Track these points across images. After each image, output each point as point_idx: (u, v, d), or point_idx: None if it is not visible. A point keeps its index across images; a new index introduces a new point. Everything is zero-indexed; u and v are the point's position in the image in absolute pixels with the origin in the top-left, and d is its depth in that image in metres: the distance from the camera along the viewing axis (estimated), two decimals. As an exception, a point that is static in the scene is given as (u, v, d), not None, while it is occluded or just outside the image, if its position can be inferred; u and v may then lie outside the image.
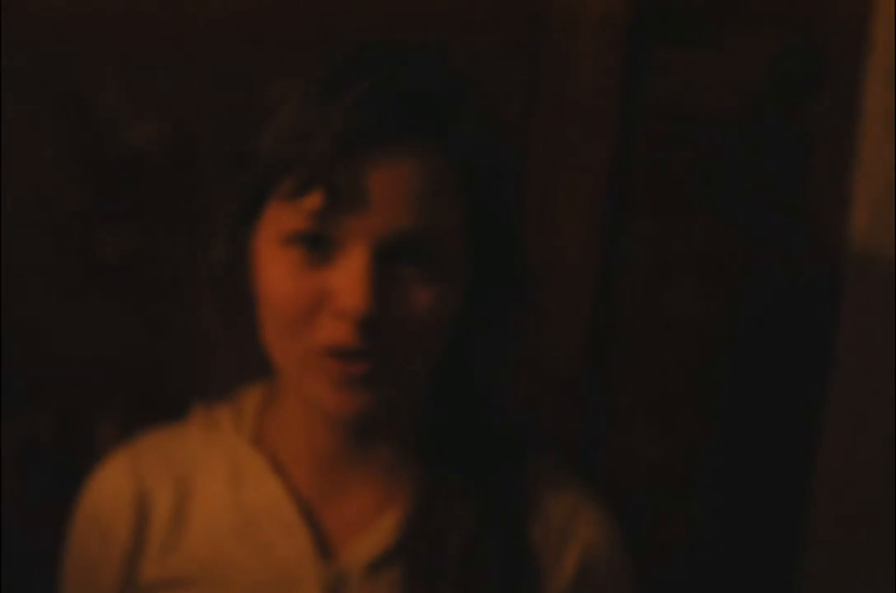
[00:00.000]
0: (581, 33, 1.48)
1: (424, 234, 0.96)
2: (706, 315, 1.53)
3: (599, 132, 1.50)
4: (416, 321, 0.97)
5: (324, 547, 1.06)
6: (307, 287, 0.96)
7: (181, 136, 1.48)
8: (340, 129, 0.92)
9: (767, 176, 1.52)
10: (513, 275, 1.05)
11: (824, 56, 1.50)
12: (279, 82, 0.99)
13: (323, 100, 0.94)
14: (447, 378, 1.07)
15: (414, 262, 0.96)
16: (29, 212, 1.50)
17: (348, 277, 0.94)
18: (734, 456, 1.55)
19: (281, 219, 0.97)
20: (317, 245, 0.96)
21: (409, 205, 0.95)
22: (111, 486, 1.12)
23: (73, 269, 1.51)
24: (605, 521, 1.10)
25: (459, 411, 1.09)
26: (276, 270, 0.97)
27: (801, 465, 1.53)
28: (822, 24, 1.50)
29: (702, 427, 1.55)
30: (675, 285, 1.53)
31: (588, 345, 1.51)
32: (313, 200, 0.94)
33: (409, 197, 0.95)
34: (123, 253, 1.50)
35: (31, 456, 1.53)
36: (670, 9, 1.49)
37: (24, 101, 1.47)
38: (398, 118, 0.94)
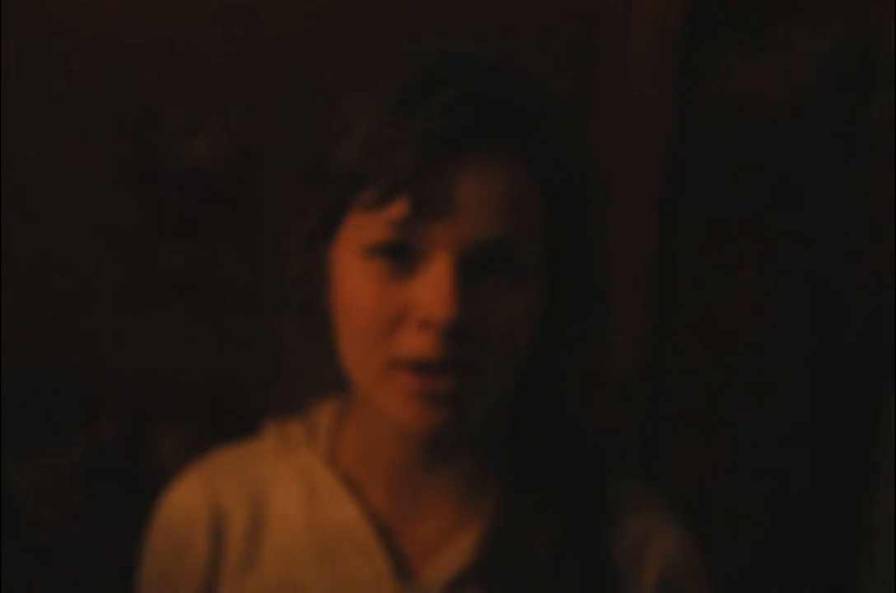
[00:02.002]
0: (635, 36, 1.47)
1: (508, 243, 0.94)
2: (764, 321, 1.52)
3: (655, 135, 1.49)
4: (499, 332, 0.95)
5: (401, 568, 1.04)
6: (389, 298, 0.94)
7: (239, 150, 1.49)
8: (426, 136, 0.92)
9: (825, 176, 1.51)
10: (589, 286, 1.04)
11: (881, 55, 1.49)
12: (354, 94, 0.98)
13: (405, 108, 0.93)
14: (522, 392, 1.05)
15: (497, 273, 0.95)
16: (92, 227, 1.51)
17: (433, 287, 0.92)
18: (792, 461, 1.55)
19: (362, 230, 0.95)
20: (399, 256, 0.94)
21: (493, 213, 0.93)
22: (186, 505, 1.10)
23: (136, 283, 1.52)
24: (684, 537, 1.07)
25: (536, 426, 1.07)
26: (357, 282, 0.96)
27: (858, 471, 1.53)
28: (879, 23, 1.48)
29: (755, 432, 1.55)
30: (733, 290, 1.52)
31: (647, 352, 1.51)
32: (398, 209, 0.93)
33: (492, 205, 0.93)
34: (186, 266, 1.51)
35: (98, 468, 1.54)
36: (725, 9, 1.48)
37: (85, 120, 1.49)
38: (482, 125, 0.93)
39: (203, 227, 1.50)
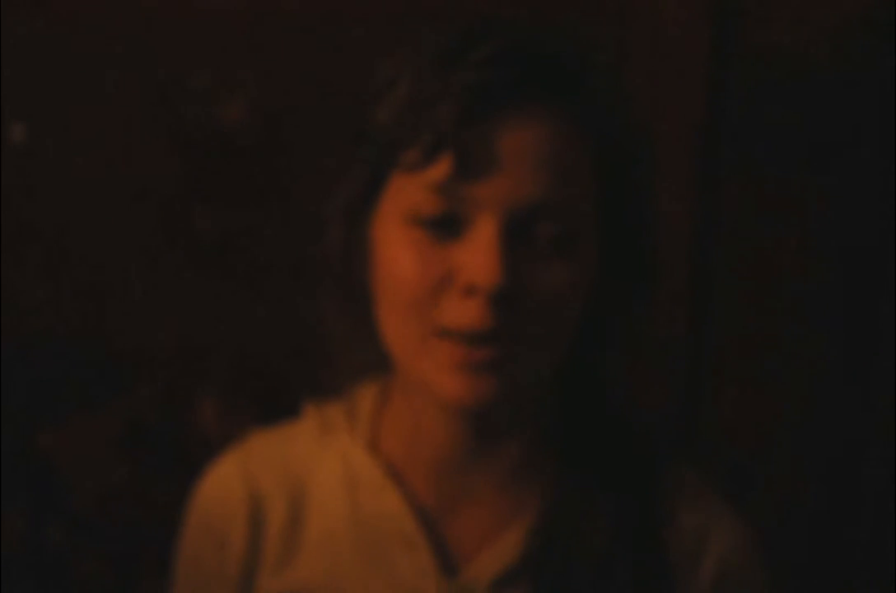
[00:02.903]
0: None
1: (556, 205, 0.89)
2: (805, 278, 1.51)
3: (690, 85, 1.47)
4: (548, 301, 0.90)
5: (446, 562, 1.00)
6: (432, 265, 0.89)
7: (271, 113, 1.47)
8: (467, 89, 0.88)
9: (856, 122, 1.48)
10: (641, 258, 0.98)
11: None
12: (393, 58, 0.94)
13: (446, 63, 0.89)
14: (570, 373, 1.00)
15: (545, 238, 0.90)
16: (127, 194, 1.50)
17: (478, 250, 0.88)
18: (832, 426, 1.53)
19: (404, 194, 0.91)
20: (443, 222, 0.90)
21: (540, 171, 0.89)
22: (223, 491, 1.06)
23: (173, 249, 1.51)
24: (741, 530, 1.03)
25: (586, 410, 1.02)
26: (399, 249, 0.91)
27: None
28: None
29: (798, 396, 1.53)
30: (773, 246, 1.51)
31: (686, 311, 1.49)
32: (441, 168, 0.88)
33: (539, 163, 0.89)
34: (221, 231, 1.50)
35: (136, 435, 1.54)
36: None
37: (117, 86, 1.48)
38: (526, 79, 0.89)
39: (238, 192, 1.49)
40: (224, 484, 1.07)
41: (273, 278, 1.50)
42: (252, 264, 1.51)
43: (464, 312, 0.89)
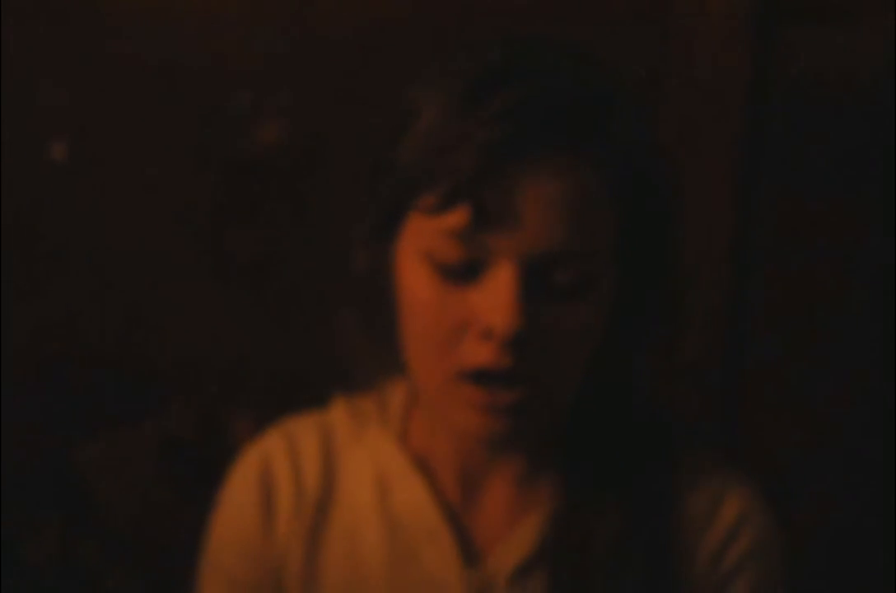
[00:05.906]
0: (708, 14, 1.45)
1: (575, 253, 0.90)
2: (842, 303, 1.50)
3: (728, 112, 1.47)
4: (565, 342, 0.91)
5: (468, 553, 1.02)
6: (451, 306, 0.91)
7: (309, 137, 1.49)
8: (487, 140, 0.87)
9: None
10: (664, 296, 0.99)
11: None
12: (418, 87, 0.93)
13: (468, 108, 0.88)
14: (591, 380, 1.00)
15: (563, 282, 0.90)
16: (164, 215, 1.52)
17: (495, 296, 0.88)
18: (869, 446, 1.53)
19: (422, 236, 0.91)
20: (461, 269, 0.90)
21: (560, 221, 0.88)
22: (268, 457, 1.08)
23: (208, 270, 1.52)
24: (749, 505, 1.03)
25: (603, 410, 1.04)
26: (419, 287, 0.92)
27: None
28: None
29: (838, 414, 1.52)
30: (810, 270, 1.51)
31: (721, 335, 1.49)
32: (457, 217, 0.88)
33: (559, 213, 0.88)
34: (254, 251, 1.51)
35: (170, 453, 1.55)
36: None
37: (156, 107, 1.51)
38: (548, 129, 0.88)
39: (271, 215, 1.51)
40: (269, 452, 1.08)
41: (306, 297, 1.51)
42: (286, 284, 1.51)
43: (482, 354, 0.90)
